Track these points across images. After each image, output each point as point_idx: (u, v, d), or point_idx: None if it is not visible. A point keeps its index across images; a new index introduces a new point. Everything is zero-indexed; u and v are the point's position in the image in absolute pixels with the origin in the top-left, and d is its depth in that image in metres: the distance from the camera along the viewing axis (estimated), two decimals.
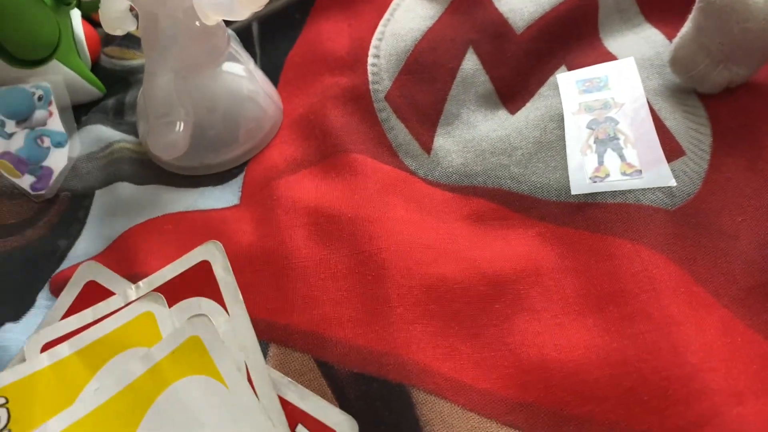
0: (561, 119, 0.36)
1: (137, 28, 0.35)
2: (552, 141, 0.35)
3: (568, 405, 0.27)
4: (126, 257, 0.34)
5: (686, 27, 0.35)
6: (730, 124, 0.35)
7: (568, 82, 0.37)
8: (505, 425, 0.27)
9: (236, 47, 0.37)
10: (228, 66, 0.36)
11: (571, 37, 0.39)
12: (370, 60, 0.40)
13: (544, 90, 0.38)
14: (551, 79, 0.38)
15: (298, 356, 0.30)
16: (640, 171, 0.32)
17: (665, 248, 0.30)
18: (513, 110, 0.38)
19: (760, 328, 0.28)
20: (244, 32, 0.41)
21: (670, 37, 0.38)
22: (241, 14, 0.31)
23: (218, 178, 0.38)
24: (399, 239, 0.32)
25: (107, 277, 0.32)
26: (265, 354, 0.30)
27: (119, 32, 0.36)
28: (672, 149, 0.33)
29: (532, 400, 0.28)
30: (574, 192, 0.33)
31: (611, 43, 0.39)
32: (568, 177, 0.34)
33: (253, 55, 0.42)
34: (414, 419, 0.27)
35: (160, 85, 0.34)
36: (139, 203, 0.37)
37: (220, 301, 0.30)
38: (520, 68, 0.39)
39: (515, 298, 0.30)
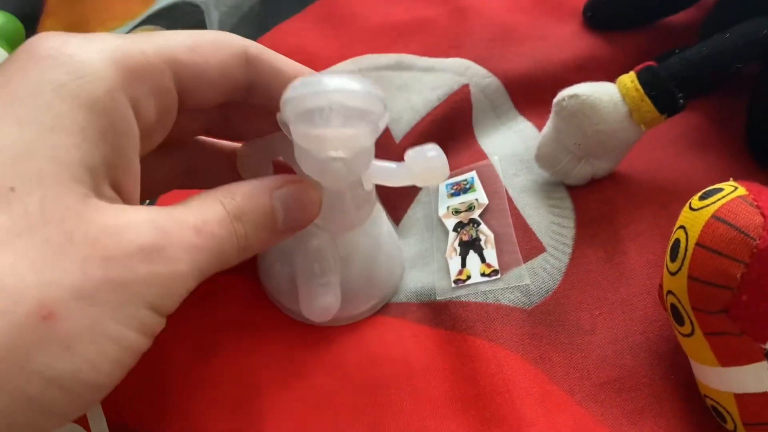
0: (434, 226, 0.38)
1: None
2: (428, 249, 0.37)
3: None
4: None
5: (547, 127, 0.37)
6: (593, 215, 0.37)
7: (438, 187, 0.39)
8: None
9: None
10: (370, 221, 0.34)
11: (447, 138, 0.41)
12: None
13: (422, 195, 0.40)
14: None
15: None
16: (498, 271, 0.34)
17: (520, 348, 0.32)
18: (398, 219, 0.40)
19: (608, 424, 0.30)
20: None
21: (541, 128, 0.40)
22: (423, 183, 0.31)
23: None
24: (275, 351, 0.33)
25: None
26: None
27: None
28: (532, 247, 0.35)
29: None
30: (438, 298, 0.34)
31: (485, 141, 0.41)
32: None
33: None
34: None
35: (316, 247, 0.32)
36: None
37: (86, 424, 0.30)
38: None
39: (387, 402, 0.31)
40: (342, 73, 0.26)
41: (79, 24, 0.54)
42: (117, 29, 0.54)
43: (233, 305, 0.35)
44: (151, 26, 0.53)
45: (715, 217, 0.26)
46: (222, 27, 0.52)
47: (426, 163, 0.30)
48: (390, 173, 0.31)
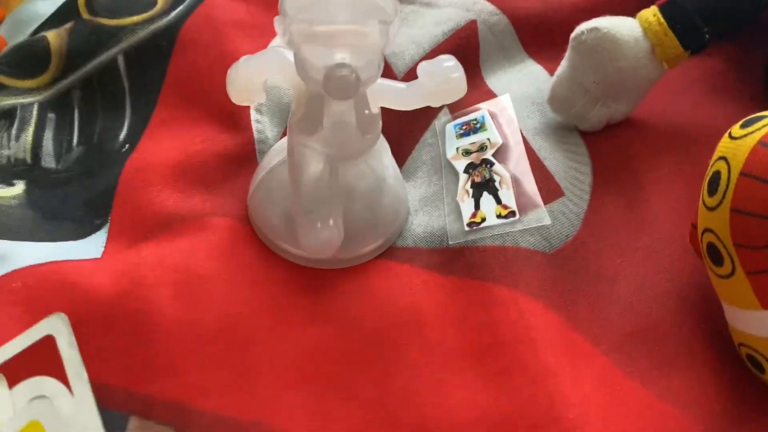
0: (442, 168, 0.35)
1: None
2: (436, 192, 0.34)
3: None
4: None
5: (562, 66, 0.35)
6: (610, 162, 0.35)
7: (446, 128, 0.37)
8: None
9: None
10: (374, 153, 0.31)
11: None
12: (253, 116, 0.37)
13: (427, 136, 0.37)
14: (434, 123, 0.37)
15: (161, 430, 0.27)
16: (515, 212, 0.32)
17: (542, 294, 0.29)
18: (401, 161, 0.37)
19: (637, 376, 0.28)
20: (110, 67, 0.38)
21: (552, 72, 0.38)
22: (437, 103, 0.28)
23: (80, 231, 0.35)
24: (272, 302, 0.30)
25: None
26: (124, 428, 0.27)
27: (246, 103, 0.33)
28: (551, 190, 0.33)
29: None
30: (451, 242, 0.32)
31: (493, 81, 0.39)
32: None
33: (122, 90, 0.39)
34: None
35: (314, 173, 0.29)
36: None
37: (65, 379, 0.27)
38: (402, 113, 0.38)
39: (396, 355, 0.29)
40: None
41: None
42: None
43: (223, 249, 0.32)
44: None
45: (762, 143, 0.24)
46: None
47: (442, 74, 0.27)
48: (400, 93, 0.28)
